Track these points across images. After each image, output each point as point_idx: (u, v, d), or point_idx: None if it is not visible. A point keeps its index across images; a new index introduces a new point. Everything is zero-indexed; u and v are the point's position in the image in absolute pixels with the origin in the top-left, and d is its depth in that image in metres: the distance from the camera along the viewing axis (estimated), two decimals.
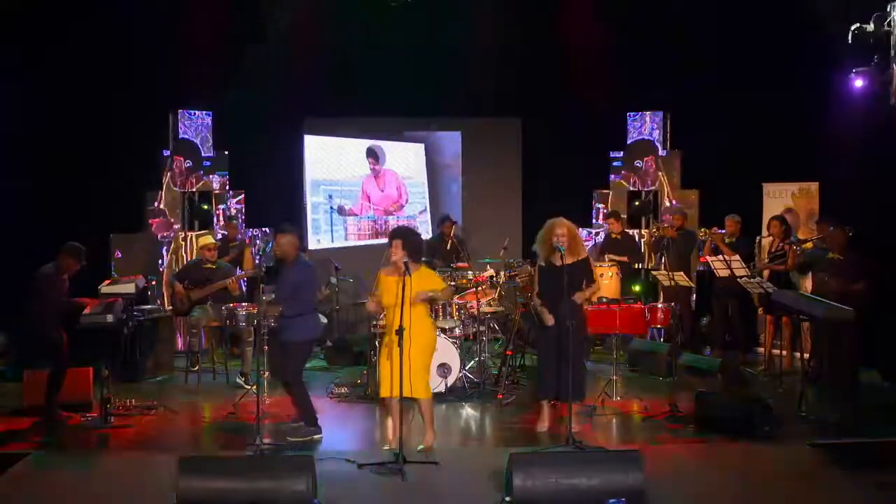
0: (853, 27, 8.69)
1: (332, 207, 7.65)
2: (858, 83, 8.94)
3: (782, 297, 8.25)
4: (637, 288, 10.87)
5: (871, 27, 8.37)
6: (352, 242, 7.61)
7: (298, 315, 7.06)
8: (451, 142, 8.62)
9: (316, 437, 7.09)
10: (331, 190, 7.54)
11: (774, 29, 10.20)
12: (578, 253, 7.15)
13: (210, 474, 5.41)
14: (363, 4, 11.03)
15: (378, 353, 6.80)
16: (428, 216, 8.19)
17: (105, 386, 7.56)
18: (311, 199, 7.59)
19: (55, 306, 7.61)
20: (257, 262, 9.97)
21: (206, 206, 11.62)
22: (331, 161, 7.73)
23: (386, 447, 6.68)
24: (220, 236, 10.87)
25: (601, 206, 12.19)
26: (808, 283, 9.37)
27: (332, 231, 7.43)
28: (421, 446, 6.65)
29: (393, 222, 7.85)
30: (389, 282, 6.51)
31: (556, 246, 7.00)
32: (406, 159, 8.06)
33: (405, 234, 6.64)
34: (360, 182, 7.88)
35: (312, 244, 7.70)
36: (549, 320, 7.06)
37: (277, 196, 11.73)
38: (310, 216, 7.70)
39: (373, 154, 7.89)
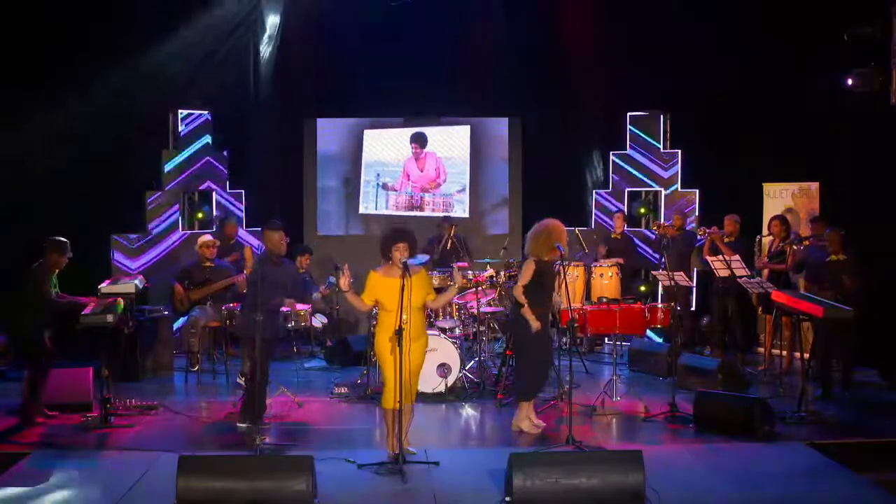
0: (852, 28, 8.71)
1: (378, 184, 9.40)
2: (850, 81, 8.96)
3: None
4: (643, 288, 10.85)
5: (870, 27, 8.39)
6: (391, 212, 9.56)
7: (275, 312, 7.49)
8: (498, 125, 9.83)
9: (244, 427, 7.28)
10: (378, 169, 9.37)
11: (775, 29, 10.20)
12: (562, 252, 7.21)
13: (210, 474, 5.42)
14: (363, 3, 11.04)
15: (378, 357, 6.56)
16: (467, 195, 9.55)
17: (105, 386, 7.56)
18: (364, 177, 9.40)
19: (45, 306, 7.58)
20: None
21: (206, 207, 11.63)
22: (380, 147, 9.55)
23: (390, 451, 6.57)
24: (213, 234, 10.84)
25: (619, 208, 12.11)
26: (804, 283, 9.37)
27: (376, 201, 9.38)
28: (412, 449, 6.61)
29: (428, 199, 9.36)
30: (389, 283, 6.36)
31: (560, 248, 7.07)
32: (449, 142, 9.37)
33: (410, 236, 6.51)
34: (402, 163, 9.50)
35: (362, 210, 9.70)
36: (537, 326, 7.08)
37: (277, 196, 11.78)
38: (362, 189, 9.61)
39: (417, 139, 9.35)
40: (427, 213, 9.65)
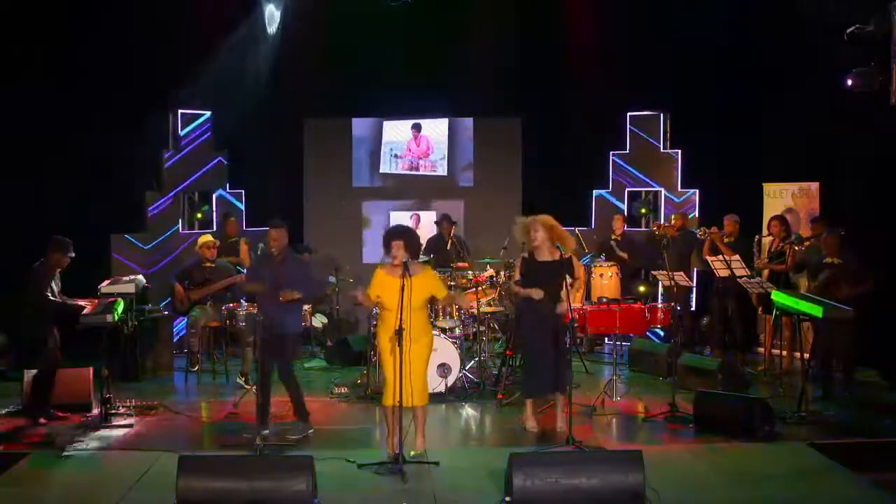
0: (851, 28, 8.68)
1: (391, 154, 12.78)
2: (850, 81, 8.94)
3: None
4: (642, 288, 10.89)
5: (870, 27, 8.36)
6: (399, 171, 12.76)
7: (291, 308, 7.33)
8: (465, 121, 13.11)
9: (310, 432, 7.22)
10: (391, 145, 12.75)
11: (775, 29, 10.19)
12: (562, 252, 7.21)
13: (210, 474, 5.42)
14: (363, 3, 11.04)
15: (378, 357, 6.67)
16: (445, 161, 12.75)
17: (105, 386, 7.56)
18: (383, 150, 12.80)
19: (45, 305, 7.58)
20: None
21: (206, 207, 11.65)
22: (393, 131, 12.96)
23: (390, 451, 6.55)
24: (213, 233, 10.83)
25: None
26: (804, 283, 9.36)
27: (390, 164, 12.75)
28: (413, 452, 6.57)
29: (422, 163, 12.83)
30: (390, 282, 6.38)
31: (560, 248, 7.09)
32: (436, 127, 12.86)
33: (406, 235, 6.57)
34: (405, 141, 12.75)
35: (381, 170, 12.85)
36: (538, 294, 7.11)
37: (277, 195, 11.77)
38: (382, 158, 12.78)
39: (416, 127, 12.73)
40: (421, 172, 12.79)
